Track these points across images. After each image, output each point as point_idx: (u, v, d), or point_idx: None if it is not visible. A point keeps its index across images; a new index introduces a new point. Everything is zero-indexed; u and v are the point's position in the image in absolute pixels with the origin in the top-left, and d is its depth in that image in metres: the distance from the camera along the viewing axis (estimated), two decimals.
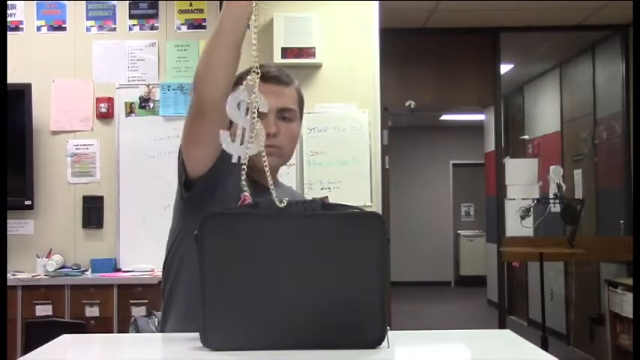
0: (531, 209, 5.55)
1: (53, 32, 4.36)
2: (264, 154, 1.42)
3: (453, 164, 11.46)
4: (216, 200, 1.57)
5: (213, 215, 1.33)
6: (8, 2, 4.31)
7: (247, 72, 1.62)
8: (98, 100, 4.32)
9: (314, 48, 4.26)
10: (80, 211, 4.27)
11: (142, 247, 4.08)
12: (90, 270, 4.14)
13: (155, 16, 4.38)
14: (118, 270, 4.15)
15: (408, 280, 10.15)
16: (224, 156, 1.51)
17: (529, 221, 5.60)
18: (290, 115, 1.71)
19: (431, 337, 1.60)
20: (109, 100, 4.31)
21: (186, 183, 1.64)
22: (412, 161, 11.02)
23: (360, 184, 4.24)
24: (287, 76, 1.74)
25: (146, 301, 3.83)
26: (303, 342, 1.29)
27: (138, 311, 3.81)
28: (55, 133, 4.31)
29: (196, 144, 1.61)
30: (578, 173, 6.34)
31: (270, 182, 1.45)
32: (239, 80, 1.64)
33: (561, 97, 6.87)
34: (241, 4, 1.46)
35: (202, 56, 1.55)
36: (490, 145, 6.85)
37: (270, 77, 1.69)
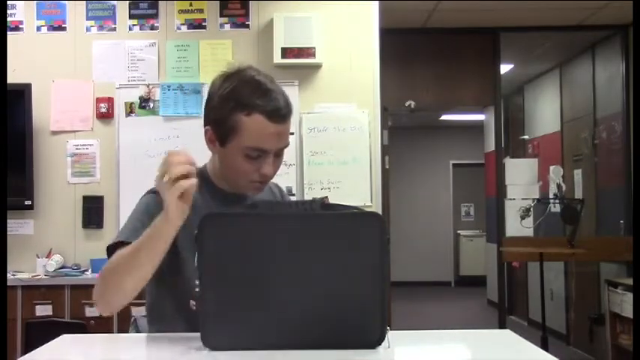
0: (531, 209, 5.55)
1: (53, 32, 4.36)
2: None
3: (453, 164, 11.45)
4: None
5: (213, 215, 1.33)
6: (8, 2, 4.30)
7: (243, 94, 1.59)
8: (98, 100, 4.31)
9: (314, 48, 4.26)
10: (80, 211, 4.27)
11: None
12: (90, 270, 4.14)
13: (155, 16, 4.38)
14: None
15: (408, 280, 10.14)
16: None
17: (529, 221, 5.60)
18: (283, 150, 1.66)
19: (431, 337, 1.60)
20: (109, 100, 4.31)
21: None
22: (412, 161, 11.02)
23: (360, 184, 4.24)
24: (287, 100, 1.64)
25: (145, 301, 3.82)
26: (303, 342, 1.29)
27: (138, 311, 3.80)
28: (55, 133, 4.30)
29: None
30: (578, 173, 6.33)
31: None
32: (238, 105, 1.59)
33: (561, 97, 6.87)
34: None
35: (108, 277, 1.50)
36: (490, 145, 6.85)
37: (278, 116, 1.59)
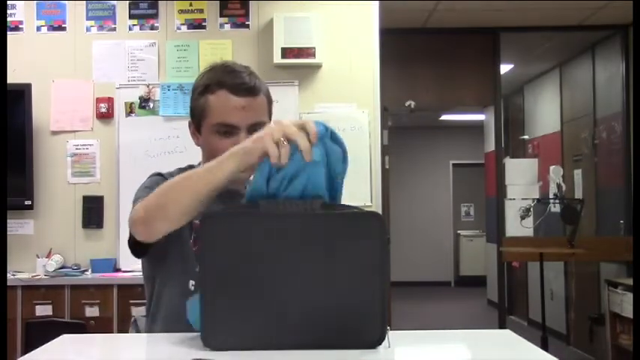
0: (531, 209, 5.55)
1: (53, 32, 4.36)
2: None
3: (453, 164, 11.45)
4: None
5: (213, 215, 1.33)
6: (8, 2, 4.30)
7: (210, 77, 1.62)
8: (98, 100, 4.31)
9: (314, 48, 4.26)
10: (80, 211, 4.27)
11: None
12: (90, 270, 4.14)
13: (155, 16, 4.38)
14: (118, 270, 4.15)
15: (408, 280, 10.14)
16: None
17: (529, 221, 5.60)
18: (261, 128, 1.61)
19: (431, 337, 1.60)
20: (109, 100, 4.31)
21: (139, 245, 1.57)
22: (412, 161, 11.02)
23: (360, 184, 4.24)
24: (256, 80, 1.65)
25: (146, 301, 3.82)
26: (303, 342, 1.29)
27: (138, 311, 3.80)
28: (55, 133, 4.30)
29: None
30: (578, 173, 6.34)
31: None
32: (205, 89, 1.63)
33: (561, 97, 6.87)
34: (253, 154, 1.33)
35: (168, 191, 1.40)
36: (490, 145, 6.85)
37: (241, 89, 1.61)
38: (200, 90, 1.65)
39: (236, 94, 1.61)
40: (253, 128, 1.58)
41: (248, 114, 1.61)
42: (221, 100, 1.61)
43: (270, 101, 1.71)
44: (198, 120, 1.67)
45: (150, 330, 1.72)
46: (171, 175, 1.63)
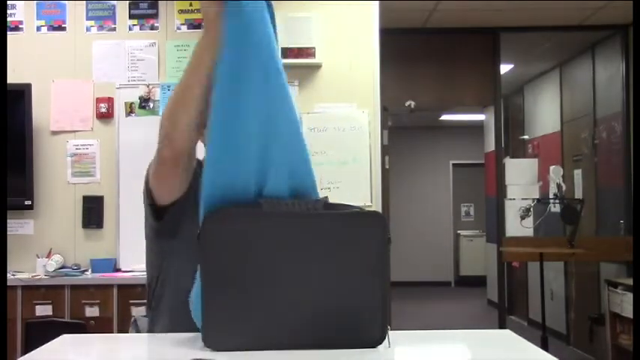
0: (531, 209, 5.55)
1: (53, 32, 4.36)
2: None
3: (453, 164, 11.45)
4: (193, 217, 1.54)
5: (214, 214, 1.33)
6: (8, 2, 4.30)
7: None
8: (98, 100, 4.31)
9: (314, 48, 4.26)
10: (80, 211, 4.27)
11: (142, 247, 4.06)
12: (90, 270, 4.14)
13: (155, 16, 4.38)
14: (118, 270, 4.15)
15: (408, 280, 10.14)
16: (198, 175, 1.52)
17: (529, 221, 5.60)
18: None
19: (431, 337, 1.60)
20: (109, 100, 4.31)
21: (158, 210, 1.64)
22: (412, 161, 11.02)
23: (360, 184, 4.24)
24: None
25: (146, 300, 3.82)
26: (304, 342, 1.29)
27: (138, 311, 3.80)
28: (55, 133, 4.30)
29: (168, 183, 1.62)
30: (578, 173, 6.34)
31: None
32: None
33: (561, 97, 6.87)
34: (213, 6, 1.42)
35: (175, 97, 1.53)
36: (490, 145, 6.85)
37: None
38: None
39: None
40: None
41: None
42: None
43: None
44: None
45: (155, 312, 1.72)
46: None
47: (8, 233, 4.01)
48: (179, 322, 1.46)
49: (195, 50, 1.49)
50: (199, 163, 1.79)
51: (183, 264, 1.63)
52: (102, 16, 4.37)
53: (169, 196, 1.62)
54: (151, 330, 1.73)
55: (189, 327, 1.38)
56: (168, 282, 1.72)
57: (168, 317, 1.69)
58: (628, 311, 4.80)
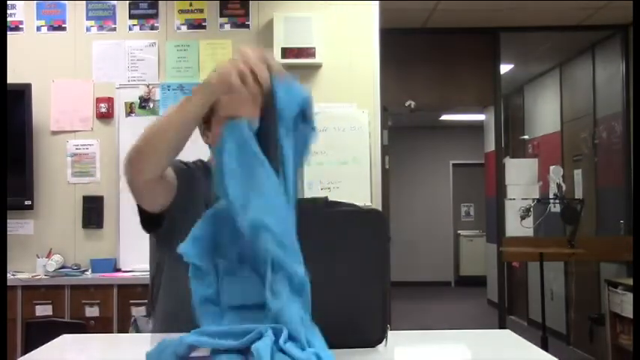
0: (531, 209, 5.55)
1: (53, 32, 4.36)
2: None
3: (453, 164, 11.45)
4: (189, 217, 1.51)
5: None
6: (8, 2, 4.30)
7: None
8: (98, 100, 4.31)
9: (314, 48, 4.26)
10: (80, 211, 4.27)
11: (141, 247, 4.05)
12: (90, 270, 4.14)
13: (155, 16, 4.38)
14: (118, 270, 4.15)
15: (408, 280, 10.14)
16: (185, 180, 1.51)
17: (529, 221, 5.60)
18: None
19: (431, 337, 1.60)
20: (109, 100, 4.31)
21: (150, 217, 1.65)
22: (412, 161, 11.02)
23: (360, 184, 4.24)
24: None
25: (146, 301, 3.81)
26: None
27: (138, 311, 3.80)
28: (55, 133, 4.30)
29: (145, 199, 1.62)
30: (578, 173, 6.33)
31: None
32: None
33: (561, 97, 6.87)
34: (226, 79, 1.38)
35: (148, 135, 1.51)
36: (490, 145, 6.85)
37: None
38: None
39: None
40: None
41: (257, 106, 1.62)
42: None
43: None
44: (207, 117, 1.66)
45: (153, 315, 1.72)
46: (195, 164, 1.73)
47: (8, 233, 4.01)
48: (172, 328, 1.46)
49: (183, 102, 1.48)
50: (203, 164, 1.79)
51: (177, 269, 1.63)
52: (102, 16, 4.37)
53: (154, 207, 1.62)
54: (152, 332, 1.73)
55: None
56: (163, 286, 1.72)
57: (162, 321, 1.69)
58: (628, 311, 4.80)
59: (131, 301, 3.89)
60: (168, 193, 1.61)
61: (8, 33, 4.28)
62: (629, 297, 4.72)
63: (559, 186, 5.76)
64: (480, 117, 8.21)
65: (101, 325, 3.85)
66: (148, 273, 1.86)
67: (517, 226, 5.56)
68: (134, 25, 4.38)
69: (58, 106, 4.31)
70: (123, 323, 3.81)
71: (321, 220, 1.32)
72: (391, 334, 1.33)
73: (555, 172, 5.87)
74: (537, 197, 5.73)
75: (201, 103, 1.44)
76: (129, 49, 4.35)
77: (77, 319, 3.86)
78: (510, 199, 5.78)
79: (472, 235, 11.12)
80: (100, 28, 4.37)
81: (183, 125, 1.46)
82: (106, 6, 4.37)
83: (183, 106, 1.46)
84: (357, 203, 1.37)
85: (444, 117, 10.14)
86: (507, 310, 6.81)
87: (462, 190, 11.41)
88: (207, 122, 1.71)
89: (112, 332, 3.72)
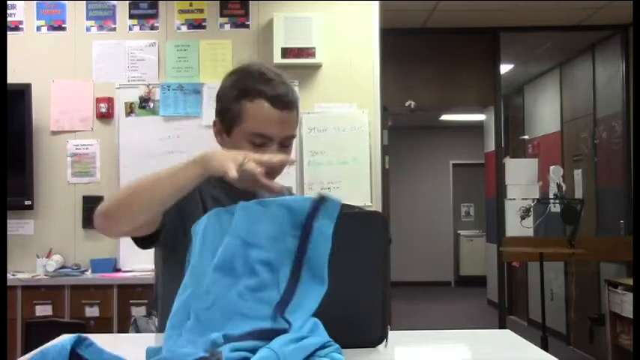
0: (531, 209, 5.55)
1: (53, 32, 4.36)
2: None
3: (453, 164, 11.45)
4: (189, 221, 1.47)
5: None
6: (8, 2, 4.30)
7: (248, 83, 1.62)
8: (98, 100, 4.31)
9: (314, 48, 4.26)
10: (80, 211, 4.27)
11: None
12: (90, 270, 4.14)
13: (155, 16, 4.38)
14: (118, 270, 4.15)
15: (408, 280, 10.15)
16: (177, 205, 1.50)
17: (529, 221, 5.60)
18: (290, 141, 1.67)
19: (431, 337, 1.60)
20: (109, 100, 4.31)
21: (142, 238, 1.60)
22: (412, 161, 11.02)
23: (360, 184, 4.24)
24: (290, 90, 1.67)
25: (146, 301, 3.82)
26: None
27: (138, 311, 3.81)
28: (55, 133, 4.30)
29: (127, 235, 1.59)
30: (578, 173, 6.34)
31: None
32: (243, 94, 1.62)
33: (561, 97, 6.87)
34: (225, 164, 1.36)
35: (134, 190, 1.45)
36: (490, 145, 6.85)
37: (280, 102, 1.62)
38: (236, 94, 1.63)
39: (274, 106, 1.61)
40: (285, 140, 1.65)
41: (284, 127, 1.63)
42: (260, 109, 1.61)
43: (298, 112, 1.72)
44: (229, 122, 1.64)
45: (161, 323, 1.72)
46: None
47: (8, 233, 4.01)
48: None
49: (177, 169, 1.44)
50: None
51: (180, 273, 1.63)
52: (102, 16, 4.37)
53: (140, 234, 1.58)
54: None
55: None
56: (168, 286, 1.72)
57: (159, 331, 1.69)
58: (628, 311, 4.80)
59: (131, 301, 3.89)
60: (153, 223, 1.58)
61: (8, 33, 4.28)
62: (629, 297, 4.72)
63: (559, 186, 5.76)
64: (480, 117, 8.21)
65: (101, 325, 3.85)
66: (149, 273, 1.86)
67: (517, 226, 5.56)
68: (134, 25, 4.38)
69: (58, 106, 4.31)
70: (123, 323, 3.81)
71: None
72: (391, 334, 1.33)
73: (555, 172, 5.87)
74: (537, 197, 5.73)
75: (194, 176, 1.41)
76: (129, 49, 4.35)
77: (77, 319, 3.86)
78: (510, 199, 5.78)
79: (472, 235, 11.13)
80: (100, 28, 4.37)
81: (170, 194, 1.43)
82: (106, 6, 4.38)
83: (176, 175, 1.42)
84: (357, 203, 1.37)
85: (444, 117, 10.14)
86: (507, 310, 6.81)
87: (462, 190, 11.42)
88: (227, 126, 1.66)
89: (111, 332, 3.72)
